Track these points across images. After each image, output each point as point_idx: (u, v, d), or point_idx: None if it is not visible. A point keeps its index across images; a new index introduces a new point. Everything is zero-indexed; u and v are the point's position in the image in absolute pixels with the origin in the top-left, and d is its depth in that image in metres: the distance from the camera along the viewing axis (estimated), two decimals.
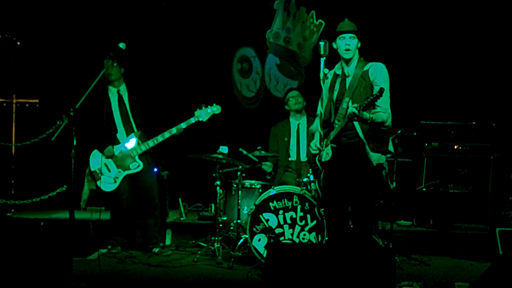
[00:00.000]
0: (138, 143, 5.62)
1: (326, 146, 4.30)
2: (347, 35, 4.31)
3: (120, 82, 5.66)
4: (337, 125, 4.25)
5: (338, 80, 4.36)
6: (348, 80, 4.31)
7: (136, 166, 5.61)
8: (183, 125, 5.53)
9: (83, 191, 7.17)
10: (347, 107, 4.17)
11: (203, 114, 5.53)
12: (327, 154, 4.28)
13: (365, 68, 4.29)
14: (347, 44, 4.28)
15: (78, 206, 7.09)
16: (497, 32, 6.86)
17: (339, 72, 4.38)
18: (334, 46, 4.35)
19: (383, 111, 4.19)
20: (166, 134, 5.54)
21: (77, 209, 6.73)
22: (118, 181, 5.61)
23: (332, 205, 4.36)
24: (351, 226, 4.47)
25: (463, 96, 6.90)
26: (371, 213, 4.34)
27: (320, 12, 7.47)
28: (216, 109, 5.57)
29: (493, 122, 6.27)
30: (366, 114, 4.02)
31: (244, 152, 5.85)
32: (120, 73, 5.64)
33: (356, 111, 3.97)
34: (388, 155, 4.35)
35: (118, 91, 5.67)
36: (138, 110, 5.70)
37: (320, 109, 4.31)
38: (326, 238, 4.81)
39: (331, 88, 4.36)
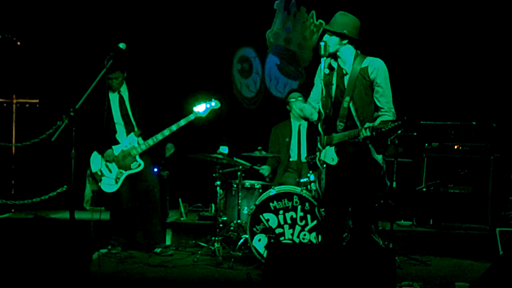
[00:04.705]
0: (138, 142, 5.62)
1: (328, 145, 4.25)
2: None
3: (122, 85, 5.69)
4: (341, 127, 4.20)
5: (334, 74, 4.28)
6: (346, 78, 4.24)
7: (137, 165, 5.61)
8: (182, 122, 5.52)
9: (86, 192, 7.17)
10: (348, 107, 4.16)
11: (202, 109, 5.53)
12: (332, 159, 4.24)
13: (364, 65, 4.17)
14: (326, 40, 4.18)
15: (78, 206, 7.08)
16: (497, 32, 6.86)
17: (334, 65, 4.29)
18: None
19: (388, 112, 4.13)
20: (166, 132, 5.54)
21: (79, 210, 6.72)
22: (120, 181, 5.61)
23: (334, 206, 4.33)
24: (351, 226, 4.46)
25: (463, 96, 6.89)
26: (372, 213, 4.35)
27: (320, 12, 7.46)
28: (215, 104, 5.55)
29: (493, 122, 6.27)
30: (380, 127, 3.98)
31: (240, 161, 5.84)
32: (123, 78, 5.66)
33: (369, 135, 3.96)
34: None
35: (119, 92, 5.67)
36: (138, 109, 5.70)
37: (320, 109, 4.28)
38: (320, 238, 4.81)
39: (328, 83, 4.31)
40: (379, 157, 4.21)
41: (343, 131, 4.18)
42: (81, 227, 5.22)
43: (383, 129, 3.89)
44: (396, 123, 3.87)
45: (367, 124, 4.03)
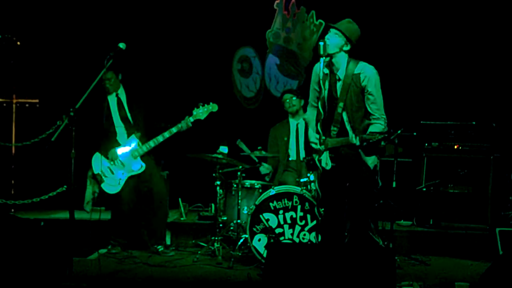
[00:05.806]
0: (139, 145, 5.62)
1: (325, 146, 4.27)
2: (332, 30, 4.26)
3: (118, 87, 5.68)
4: (334, 132, 4.23)
5: (327, 79, 4.29)
6: (339, 84, 4.27)
7: (139, 167, 5.61)
8: (181, 125, 5.53)
9: (86, 193, 7.16)
10: (342, 112, 4.19)
11: (201, 112, 5.55)
12: (326, 163, 4.27)
13: (356, 71, 4.22)
14: (327, 38, 4.21)
15: (78, 206, 7.05)
16: (497, 32, 6.86)
17: (326, 71, 4.30)
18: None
19: (379, 120, 4.20)
20: (166, 134, 5.55)
21: (79, 210, 6.70)
22: (122, 182, 5.61)
23: (332, 206, 4.35)
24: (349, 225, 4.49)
25: (463, 96, 6.89)
26: (367, 212, 4.38)
27: (320, 12, 7.46)
28: (212, 107, 5.58)
29: (493, 122, 6.27)
30: (368, 139, 4.04)
31: (245, 148, 5.85)
32: (118, 80, 5.65)
33: (358, 144, 4.03)
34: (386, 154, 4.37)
35: (116, 94, 5.68)
36: (137, 111, 5.70)
37: (320, 109, 4.29)
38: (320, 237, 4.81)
39: (324, 86, 4.30)
40: (370, 160, 4.25)
41: (337, 136, 4.24)
42: (64, 227, 5.19)
43: (370, 140, 3.99)
44: (382, 135, 3.99)
45: (357, 133, 4.10)
